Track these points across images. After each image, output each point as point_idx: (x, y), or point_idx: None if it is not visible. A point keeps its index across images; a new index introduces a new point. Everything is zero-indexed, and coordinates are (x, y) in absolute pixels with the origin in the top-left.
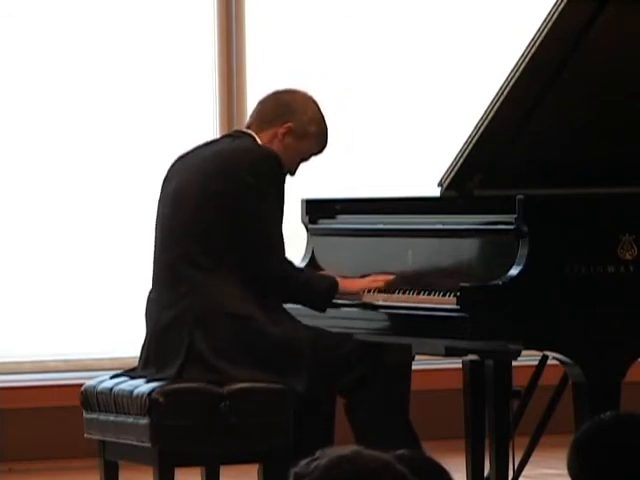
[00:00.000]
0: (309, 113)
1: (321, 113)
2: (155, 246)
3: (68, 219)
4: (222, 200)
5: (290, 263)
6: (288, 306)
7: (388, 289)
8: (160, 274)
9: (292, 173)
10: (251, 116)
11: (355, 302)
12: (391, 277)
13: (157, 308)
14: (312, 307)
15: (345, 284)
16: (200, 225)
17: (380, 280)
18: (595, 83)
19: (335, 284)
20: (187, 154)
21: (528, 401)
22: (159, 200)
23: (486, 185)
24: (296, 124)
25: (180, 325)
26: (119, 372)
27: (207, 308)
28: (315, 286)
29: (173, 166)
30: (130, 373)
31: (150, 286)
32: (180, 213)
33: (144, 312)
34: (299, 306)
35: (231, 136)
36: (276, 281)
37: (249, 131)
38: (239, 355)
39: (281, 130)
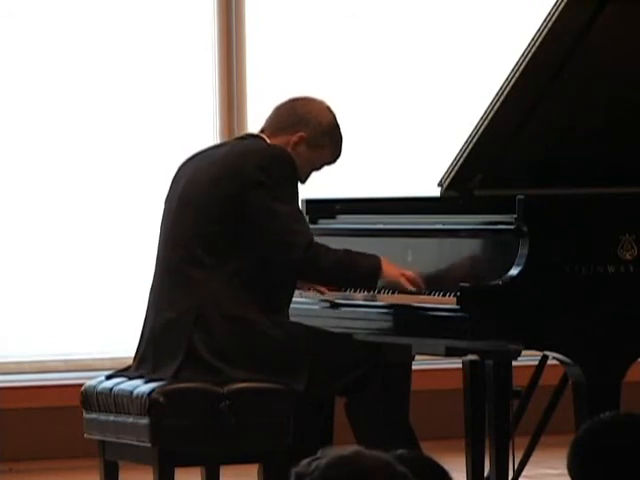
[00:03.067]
0: (324, 124)
1: (336, 124)
2: (159, 245)
3: (68, 219)
4: (235, 202)
5: (323, 246)
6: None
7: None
8: (161, 274)
9: (303, 181)
10: (265, 121)
11: (357, 302)
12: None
13: (156, 307)
14: (355, 287)
15: (386, 266)
16: (208, 226)
17: (417, 282)
18: (595, 83)
19: (378, 263)
20: (196, 155)
21: (528, 401)
22: (166, 200)
23: (486, 185)
24: (309, 134)
25: (179, 326)
26: (113, 372)
27: (206, 309)
28: (355, 266)
29: (182, 167)
30: (125, 373)
31: (150, 285)
32: (187, 214)
33: (145, 310)
34: (299, 306)
35: (242, 138)
36: (312, 268)
37: (261, 134)
38: (238, 357)
39: (294, 138)
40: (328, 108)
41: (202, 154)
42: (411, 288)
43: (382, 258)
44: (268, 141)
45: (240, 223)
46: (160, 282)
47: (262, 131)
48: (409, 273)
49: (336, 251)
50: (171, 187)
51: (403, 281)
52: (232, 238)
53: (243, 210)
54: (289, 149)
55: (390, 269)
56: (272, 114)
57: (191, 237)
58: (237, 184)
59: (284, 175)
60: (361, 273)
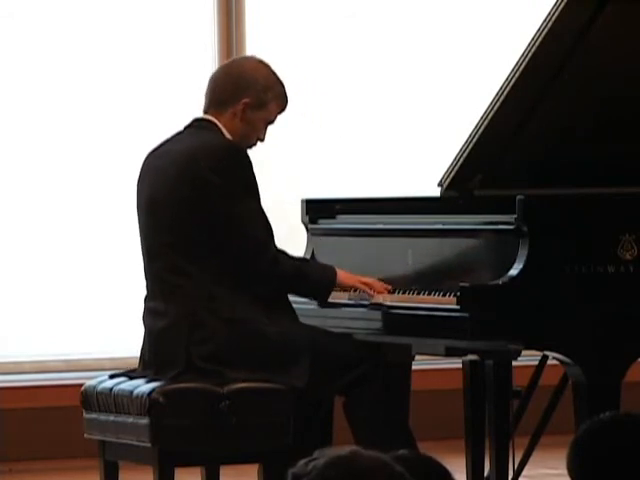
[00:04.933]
0: (261, 80)
1: (273, 74)
2: (142, 253)
3: (68, 219)
4: (194, 206)
5: (283, 253)
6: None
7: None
8: (150, 282)
9: (262, 139)
10: (206, 97)
11: (358, 302)
12: (389, 287)
13: (151, 315)
14: (309, 296)
15: (342, 276)
16: (177, 233)
17: (377, 288)
18: (595, 83)
19: (333, 274)
20: (155, 150)
21: (528, 401)
22: (137, 204)
23: (486, 185)
24: (252, 97)
25: (175, 333)
26: (118, 372)
27: (201, 315)
28: (311, 275)
29: (144, 166)
30: (129, 374)
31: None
32: (157, 223)
33: (142, 312)
34: (298, 306)
35: (192, 127)
36: (268, 274)
37: (209, 117)
38: (237, 358)
39: (239, 107)
40: (260, 61)
41: (159, 151)
42: (370, 292)
43: (338, 269)
44: (218, 124)
45: (205, 227)
46: (150, 289)
47: (207, 111)
48: (367, 280)
49: (293, 259)
50: (137, 191)
51: (360, 287)
52: (203, 243)
53: (203, 214)
54: (238, 120)
55: (346, 278)
56: (209, 89)
57: (165, 246)
58: (192, 188)
59: (240, 175)
60: (315, 283)
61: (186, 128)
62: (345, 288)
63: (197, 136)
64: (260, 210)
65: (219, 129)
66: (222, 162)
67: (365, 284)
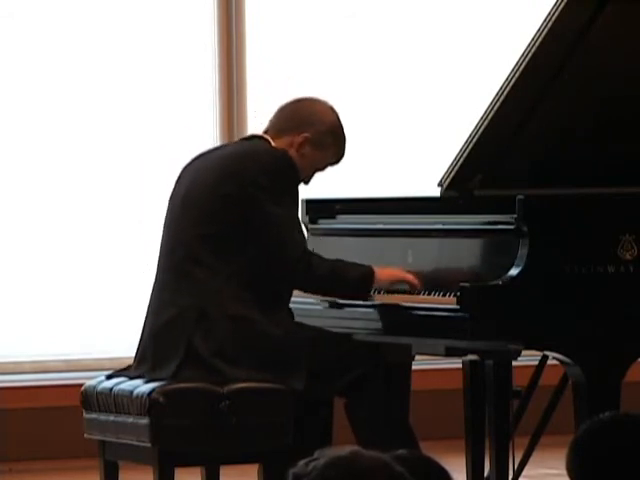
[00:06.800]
0: (327, 124)
1: (340, 124)
2: (162, 245)
3: (68, 220)
4: (235, 202)
5: (316, 255)
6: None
7: (388, 289)
8: (164, 272)
9: (306, 182)
10: (269, 122)
11: (357, 302)
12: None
13: (158, 305)
14: (346, 297)
15: (380, 274)
16: (211, 226)
17: (414, 281)
18: (595, 83)
19: (369, 272)
20: (200, 156)
21: (528, 401)
22: (169, 200)
23: (486, 185)
24: (313, 134)
25: (180, 324)
26: (113, 372)
27: (208, 308)
28: (346, 275)
29: (185, 168)
30: (125, 372)
31: (152, 285)
32: (190, 214)
33: (146, 310)
34: (299, 306)
35: (246, 139)
36: (303, 277)
37: (265, 135)
38: (238, 356)
39: (298, 139)
40: (331, 108)
41: (206, 155)
42: (414, 281)
43: (375, 266)
44: (272, 143)
45: (240, 224)
46: (162, 281)
47: (266, 132)
48: (405, 273)
49: (328, 261)
50: (175, 187)
51: (404, 275)
52: (234, 238)
53: (243, 211)
54: (294, 150)
55: (385, 273)
56: (275, 115)
57: (194, 237)
58: (238, 184)
59: (286, 180)
60: (354, 282)
61: (240, 140)
62: (384, 285)
63: (249, 144)
64: (297, 217)
65: (271, 145)
66: (273, 166)
67: (406, 276)
